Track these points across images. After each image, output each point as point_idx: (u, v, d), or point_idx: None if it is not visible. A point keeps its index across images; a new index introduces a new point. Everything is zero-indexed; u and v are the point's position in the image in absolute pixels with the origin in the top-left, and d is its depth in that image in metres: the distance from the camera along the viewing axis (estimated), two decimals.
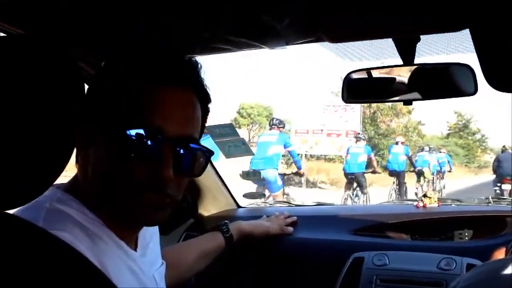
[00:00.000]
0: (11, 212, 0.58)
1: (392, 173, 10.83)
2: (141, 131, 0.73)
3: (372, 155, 9.74)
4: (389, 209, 1.68)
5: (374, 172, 9.43)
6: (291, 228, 1.54)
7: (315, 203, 1.91)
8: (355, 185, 8.95)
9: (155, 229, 0.96)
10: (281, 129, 7.08)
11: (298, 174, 7.77)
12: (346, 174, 9.21)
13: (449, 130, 34.82)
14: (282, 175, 7.30)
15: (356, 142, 9.75)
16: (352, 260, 1.37)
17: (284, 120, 7.45)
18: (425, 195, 1.60)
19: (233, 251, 1.39)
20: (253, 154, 5.91)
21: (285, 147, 6.99)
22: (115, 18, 0.96)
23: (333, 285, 1.33)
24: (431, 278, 1.26)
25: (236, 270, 1.52)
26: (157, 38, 1.02)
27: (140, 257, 0.85)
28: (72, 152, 0.60)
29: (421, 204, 1.60)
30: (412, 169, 11.86)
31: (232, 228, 1.40)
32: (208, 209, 1.75)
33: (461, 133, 33.77)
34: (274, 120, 7.14)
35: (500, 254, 1.26)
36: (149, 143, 0.74)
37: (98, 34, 1.02)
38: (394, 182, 10.70)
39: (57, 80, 0.56)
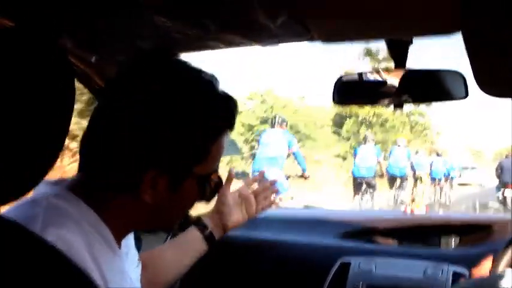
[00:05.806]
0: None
1: (392, 179, 9.74)
2: (208, 174, 0.81)
3: (381, 157, 8.81)
4: (377, 214, 1.68)
5: (382, 176, 8.98)
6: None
7: (303, 206, 1.90)
8: (364, 187, 8.28)
9: None
10: (283, 127, 6.57)
11: (303, 177, 6.99)
12: (355, 179, 8.46)
13: None
14: (287, 177, 6.75)
15: (365, 143, 8.68)
16: (339, 265, 1.36)
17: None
18: (413, 200, 1.60)
19: (214, 246, 1.32)
20: (241, 154, 5.55)
21: (288, 148, 6.41)
22: (105, 13, 0.94)
23: None
24: (417, 285, 1.26)
25: (222, 274, 1.50)
26: (149, 34, 1.00)
27: (125, 256, 0.84)
28: (62, 146, 0.58)
29: (408, 209, 1.60)
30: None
31: (207, 221, 1.29)
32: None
33: None
34: (277, 117, 6.66)
35: (486, 262, 1.25)
36: (212, 186, 0.85)
37: (86, 28, 1.00)
38: (395, 188, 9.74)
39: (47, 73, 0.54)
